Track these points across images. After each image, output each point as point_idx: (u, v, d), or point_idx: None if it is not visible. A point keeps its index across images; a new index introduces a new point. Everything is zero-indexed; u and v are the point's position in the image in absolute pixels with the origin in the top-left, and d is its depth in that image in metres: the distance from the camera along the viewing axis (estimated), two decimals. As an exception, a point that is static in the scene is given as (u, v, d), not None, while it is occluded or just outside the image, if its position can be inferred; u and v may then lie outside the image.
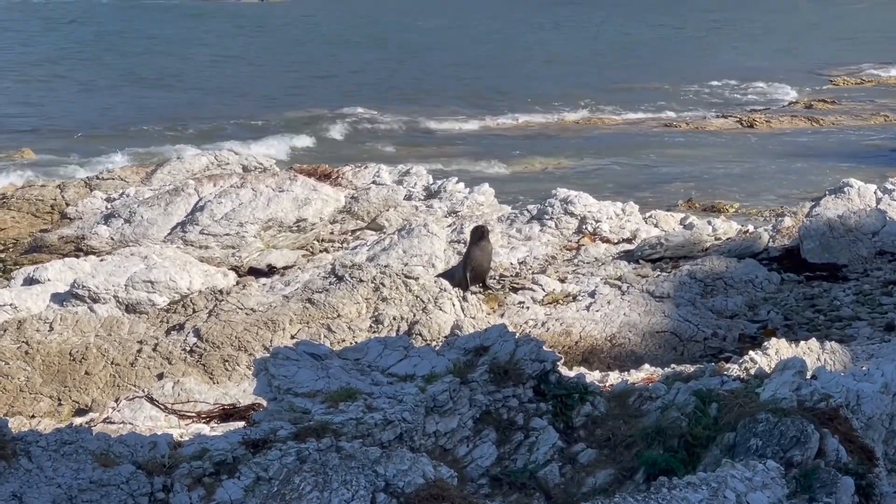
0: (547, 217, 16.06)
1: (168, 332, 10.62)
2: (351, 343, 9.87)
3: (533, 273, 14.34)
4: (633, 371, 9.72)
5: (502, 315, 12.19)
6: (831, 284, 13.29)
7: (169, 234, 15.63)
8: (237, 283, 13.22)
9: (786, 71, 45.12)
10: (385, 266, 12.72)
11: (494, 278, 14.06)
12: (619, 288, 12.76)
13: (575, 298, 12.76)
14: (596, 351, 11.30)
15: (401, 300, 11.02)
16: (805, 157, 28.05)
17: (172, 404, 8.73)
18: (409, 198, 17.27)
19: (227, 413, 8.60)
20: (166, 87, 39.71)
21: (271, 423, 6.04)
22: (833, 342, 9.73)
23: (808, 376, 6.69)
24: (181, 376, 9.64)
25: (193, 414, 8.63)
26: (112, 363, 10.10)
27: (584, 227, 15.94)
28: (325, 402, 6.37)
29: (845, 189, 15.01)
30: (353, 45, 53.09)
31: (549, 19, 66.36)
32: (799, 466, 5.62)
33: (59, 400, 9.86)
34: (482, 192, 17.42)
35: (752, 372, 7.60)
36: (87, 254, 14.84)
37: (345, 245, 15.81)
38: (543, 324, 11.88)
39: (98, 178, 18.94)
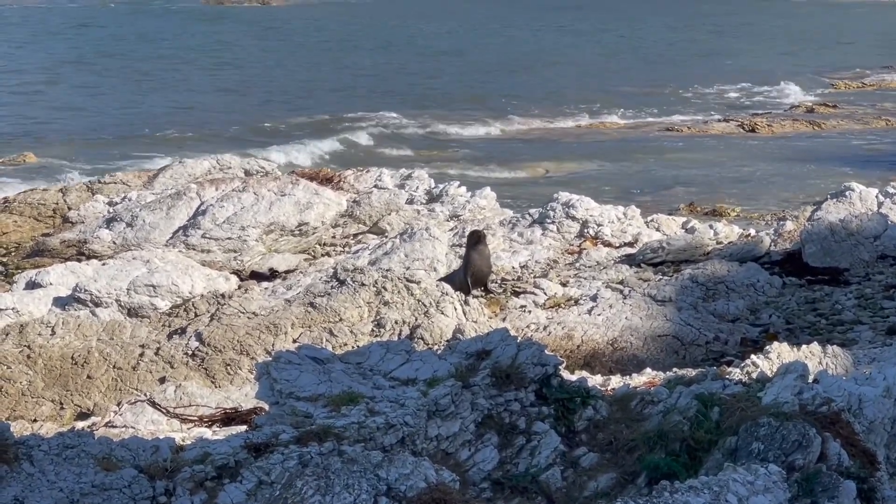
0: (549, 221, 16.06)
1: (170, 336, 10.63)
2: (353, 347, 9.87)
3: (535, 277, 14.34)
4: (634, 375, 9.72)
5: (504, 319, 12.20)
6: (833, 288, 13.28)
7: (171, 238, 15.64)
8: (239, 287, 13.22)
9: (787, 75, 45.14)
10: (387, 270, 12.72)
11: (496, 282, 14.06)
12: (621, 292, 12.77)
13: (577, 302, 12.76)
14: (598, 355, 11.30)
15: (403, 304, 11.03)
16: (806, 161, 28.07)
17: (174, 408, 8.73)
18: (410, 202, 17.28)
19: (229, 417, 8.60)
20: (174, 91, 39.71)
21: (273, 426, 6.04)
22: (835, 346, 9.73)
23: (810, 380, 6.68)
24: (183, 380, 9.65)
25: (195, 418, 8.64)
26: (114, 367, 10.11)
27: (585, 231, 15.94)
28: (327, 406, 6.37)
29: (847, 193, 15.01)
30: (359, 49, 53.16)
31: (551, 23, 66.40)
32: (801, 470, 5.62)
33: (61, 404, 9.87)
34: (484, 195, 17.43)
35: (754, 376, 7.60)
36: (89, 258, 14.85)
37: (347, 249, 15.82)
38: (545, 328, 11.88)
39: (100, 182, 18.96)
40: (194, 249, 15.31)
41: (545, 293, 13.25)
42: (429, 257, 14.06)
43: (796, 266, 14.01)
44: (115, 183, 18.71)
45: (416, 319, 10.83)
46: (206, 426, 8.53)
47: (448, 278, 12.75)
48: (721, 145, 30.94)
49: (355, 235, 16.42)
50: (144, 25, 61.81)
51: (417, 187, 17.68)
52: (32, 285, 12.95)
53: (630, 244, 15.62)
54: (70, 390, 9.93)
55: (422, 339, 10.47)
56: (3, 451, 5.38)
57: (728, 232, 15.70)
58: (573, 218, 16.07)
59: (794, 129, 33.52)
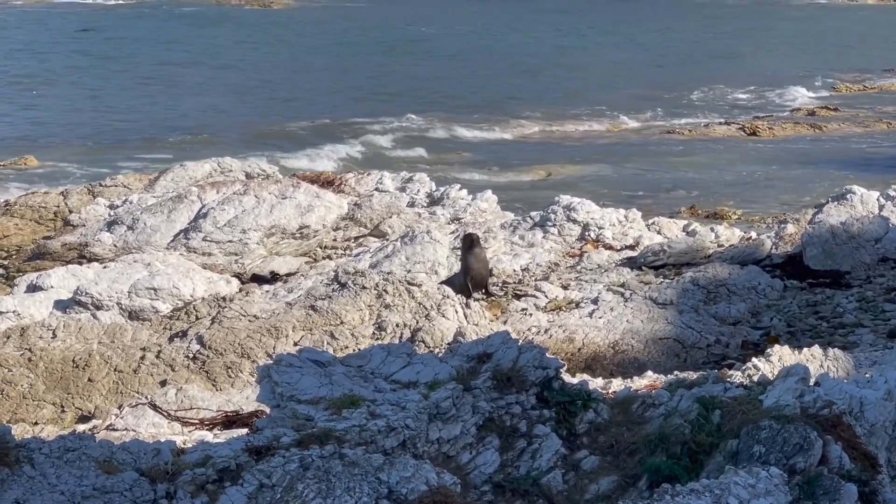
0: (550, 224, 16.06)
1: (171, 339, 10.63)
2: (354, 350, 9.87)
3: (536, 280, 14.34)
4: (636, 378, 9.71)
5: (505, 322, 12.20)
6: (834, 291, 13.28)
7: (172, 241, 15.64)
8: (240, 290, 13.22)
9: (789, 78, 45.12)
10: (388, 273, 12.72)
11: (497, 285, 14.07)
12: (622, 295, 12.76)
13: (578, 305, 12.76)
14: (599, 358, 11.30)
15: (404, 307, 11.03)
16: (807, 164, 28.06)
17: (175, 411, 8.74)
18: (412, 205, 17.28)
19: (231, 420, 8.61)
20: (175, 94, 39.66)
21: (274, 429, 6.04)
22: (836, 349, 9.73)
23: (811, 383, 6.68)
24: (184, 383, 9.65)
25: (196, 421, 8.64)
26: (115, 370, 10.11)
27: (586, 233, 15.93)
28: (328, 409, 6.37)
29: (848, 196, 15.01)
30: (364, 51, 53.09)
31: (551, 25, 66.45)
32: (802, 473, 5.62)
33: (62, 407, 9.87)
34: (485, 198, 17.43)
35: (755, 379, 7.60)
36: (90, 261, 14.86)
37: (348, 252, 15.82)
38: (546, 331, 11.88)
39: (101, 185, 18.95)
40: (195, 252, 15.32)
41: (546, 296, 13.25)
42: (430, 260, 14.07)
43: (797, 269, 14.01)
44: (117, 186, 18.71)
45: (418, 322, 10.84)
46: (207, 429, 8.53)
47: (448, 282, 12.76)
48: (722, 148, 30.92)
49: (356, 238, 16.42)
50: (147, 28, 61.83)
51: (418, 190, 17.68)
52: (33, 288, 12.95)
53: (631, 247, 15.61)
54: (71, 393, 9.94)
55: (423, 341, 10.47)
56: (4, 454, 5.38)
57: (729, 235, 15.69)
58: (574, 221, 16.07)
59: (796, 131, 33.51)
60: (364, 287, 11.17)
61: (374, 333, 10.68)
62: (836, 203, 14.89)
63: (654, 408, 6.44)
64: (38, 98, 38.16)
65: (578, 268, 14.79)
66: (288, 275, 15.14)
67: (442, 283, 12.71)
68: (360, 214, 16.82)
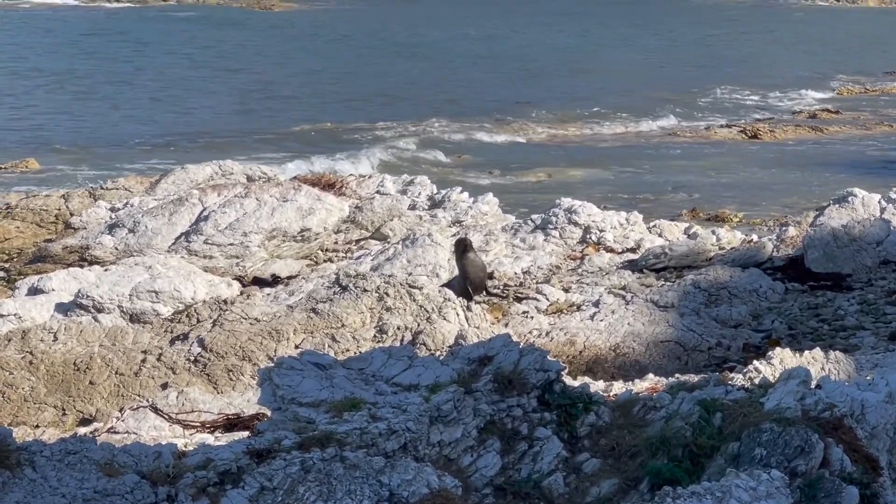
0: (551, 227, 16.06)
1: (172, 342, 10.64)
2: (355, 353, 9.87)
3: (537, 283, 14.34)
4: (637, 381, 9.72)
5: (506, 325, 12.20)
6: (835, 294, 13.28)
7: (173, 243, 15.64)
8: (241, 293, 13.24)
9: (790, 81, 45.14)
10: (389, 276, 12.73)
11: (498, 288, 14.06)
12: (623, 297, 12.77)
13: (579, 308, 12.76)
14: (600, 360, 11.30)
15: (405, 310, 11.03)
16: (809, 167, 28.07)
17: (177, 414, 8.74)
18: (413, 207, 17.28)
19: (232, 423, 8.61)
20: (181, 98, 39.63)
21: (275, 432, 6.04)
22: (837, 352, 9.74)
23: (813, 386, 6.68)
24: (185, 386, 9.66)
25: (198, 423, 8.64)
26: (116, 373, 10.11)
27: (587, 236, 15.93)
28: (329, 412, 6.37)
29: (849, 198, 15.00)
30: (366, 54, 53.04)
31: (554, 29, 66.46)
32: (803, 476, 5.62)
33: (64, 410, 9.88)
34: (486, 201, 17.42)
35: (757, 381, 7.60)
36: (91, 264, 14.85)
37: (349, 255, 15.82)
38: (547, 333, 11.88)
39: (102, 187, 18.96)
40: (196, 255, 15.32)
41: (547, 299, 13.25)
42: (431, 263, 14.06)
43: (799, 271, 14.01)
44: (118, 189, 18.71)
45: (419, 325, 10.84)
46: (208, 432, 8.54)
47: (447, 286, 12.76)
48: (723, 151, 30.93)
49: (357, 241, 16.42)
50: (150, 31, 61.84)
51: (420, 193, 17.68)
52: (35, 291, 12.95)
53: (632, 250, 15.61)
54: (72, 396, 9.94)
55: (424, 344, 10.48)
56: (6, 457, 5.38)
57: (730, 237, 15.69)
58: (575, 223, 16.07)
59: (797, 134, 33.51)
60: (365, 290, 11.17)
61: (375, 336, 10.69)
62: (837, 206, 14.89)
63: (656, 410, 6.44)
64: (40, 100, 38.16)
65: (580, 271, 14.79)
66: (289, 278, 15.14)
67: (443, 286, 12.72)
68: (361, 217, 16.82)
